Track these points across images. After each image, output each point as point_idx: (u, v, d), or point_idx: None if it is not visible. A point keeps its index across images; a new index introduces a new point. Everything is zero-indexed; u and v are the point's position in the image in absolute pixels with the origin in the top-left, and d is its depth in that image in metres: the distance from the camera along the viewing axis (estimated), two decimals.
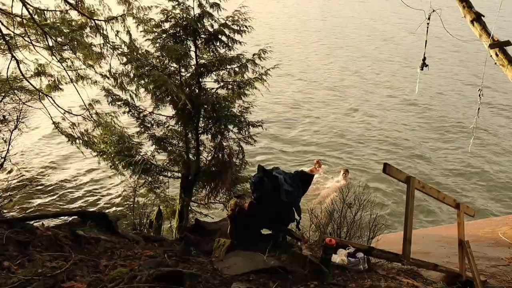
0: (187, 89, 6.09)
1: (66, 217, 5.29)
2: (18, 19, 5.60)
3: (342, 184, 9.63)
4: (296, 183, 4.12)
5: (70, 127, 6.68)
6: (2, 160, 6.95)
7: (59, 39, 6.10)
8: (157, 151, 6.59)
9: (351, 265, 3.65)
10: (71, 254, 2.85)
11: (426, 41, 5.30)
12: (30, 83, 6.08)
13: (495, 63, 4.82)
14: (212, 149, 6.59)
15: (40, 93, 6.31)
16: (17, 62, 5.61)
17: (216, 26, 5.93)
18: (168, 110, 6.42)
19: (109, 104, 6.20)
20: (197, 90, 6.13)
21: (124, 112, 6.31)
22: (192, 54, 5.96)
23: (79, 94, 6.41)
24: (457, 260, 4.60)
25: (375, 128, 13.64)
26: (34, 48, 6.07)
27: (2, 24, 5.51)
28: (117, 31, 6.31)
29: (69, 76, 6.61)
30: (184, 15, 5.78)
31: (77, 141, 6.68)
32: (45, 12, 5.86)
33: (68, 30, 6.08)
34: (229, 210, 4.28)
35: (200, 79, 6.10)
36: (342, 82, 18.41)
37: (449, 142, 12.83)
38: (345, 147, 12.22)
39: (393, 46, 25.94)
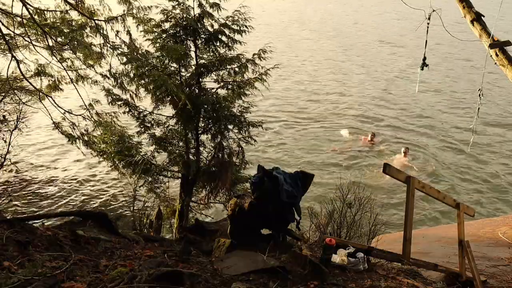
0: (187, 89, 6.09)
1: (66, 217, 5.29)
2: (18, 19, 5.60)
3: (404, 160, 10.81)
4: (296, 183, 4.12)
5: (70, 127, 6.69)
6: (2, 160, 6.95)
7: (59, 39, 6.11)
8: (157, 151, 6.59)
9: (351, 265, 3.64)
10: (71, 254, 2.85)
11: (426, 41, 5.30)
12: (30, 83, 6.09)
13: (495, 63, 4.81)
14: (212, 149, 6.59)
15: (40, 93, 6.32)
16: (17, 62, 5.61)
17: (216, 26, 5.93)
18: (168, 110, 6.41)
19: (109, 104, 6.21)
20: (197, 90, 6.12)
21: (124, 112, 6.31)
22: (192, 54, 5.96)
23: (79, 94, 6.42)
24: (457, 260, 4.60)
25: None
26: (34, 48, 6.08)
27: (2, 24, 5.51)
28: (117, 31, 6.33)
29: (69, 76, 6.61)
30: (184, 15, 5.78)
31: (77, 141, 6.69)
32: (45, 12, 5.87)
33: (68, 30, 6.10)
34: (229, 210, 4.27)
35: (200, 79, 6.10)
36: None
37: (449, 141, 12.82)
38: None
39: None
